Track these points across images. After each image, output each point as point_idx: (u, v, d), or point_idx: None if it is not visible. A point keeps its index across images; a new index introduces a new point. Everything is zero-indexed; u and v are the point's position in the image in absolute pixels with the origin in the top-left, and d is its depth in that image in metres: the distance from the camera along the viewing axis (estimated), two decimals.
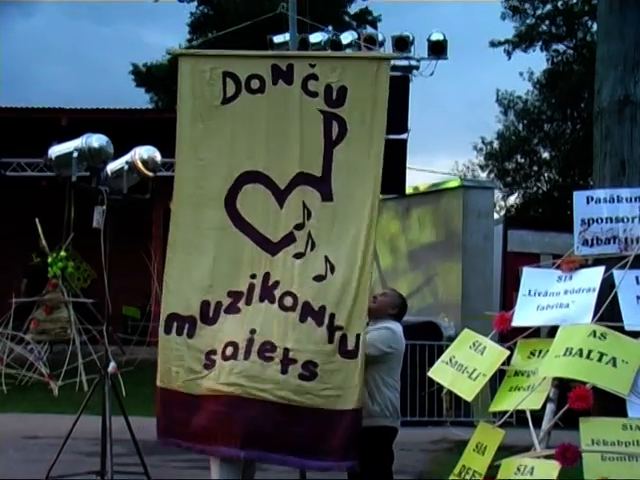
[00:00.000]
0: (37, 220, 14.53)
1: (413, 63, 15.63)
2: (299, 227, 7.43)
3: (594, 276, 4.69)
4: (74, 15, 47.51)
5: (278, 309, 7.30)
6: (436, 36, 15.54)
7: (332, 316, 7.08)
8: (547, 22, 31.64)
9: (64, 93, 35.27)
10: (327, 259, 7.26)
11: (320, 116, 7.48)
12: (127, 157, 8.76)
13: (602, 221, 4.77)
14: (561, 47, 31.99)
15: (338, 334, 7.01)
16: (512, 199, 35.37)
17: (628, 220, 4.71)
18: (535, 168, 34.35)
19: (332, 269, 7.21)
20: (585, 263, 4.85)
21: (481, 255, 15.31)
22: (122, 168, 8.67)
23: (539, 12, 31.53)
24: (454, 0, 43.38)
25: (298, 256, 7.42)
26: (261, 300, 7.40)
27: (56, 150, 8.38)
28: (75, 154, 8.22)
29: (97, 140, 8.34)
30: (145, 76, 32.80)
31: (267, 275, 7.44)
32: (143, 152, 8.77)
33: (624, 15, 4.48)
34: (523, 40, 31.52)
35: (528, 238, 16.42)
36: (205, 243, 7.64)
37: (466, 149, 34.96)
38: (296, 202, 7.45)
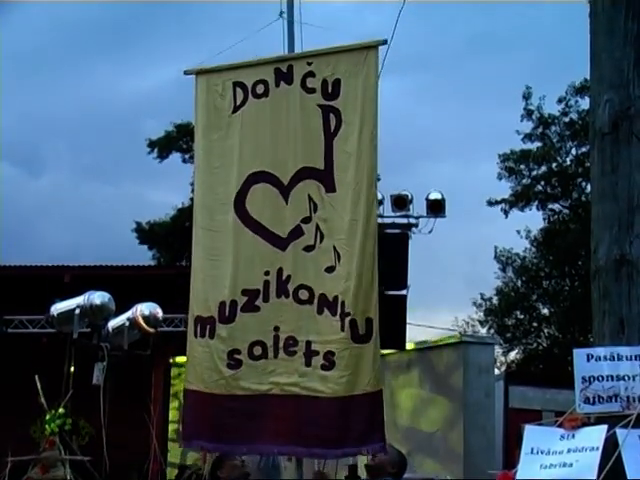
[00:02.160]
0: (37, 377, 14.39)
1: (412, 221, 15.83)
2: (306, 220, 7.55)
3: (597, 435, 4.62)
4: (79, 174, 48.46)
5: (294, 302, 7.39)
6: (434, 195, 15.78)
7: (342, 304, 7.15)
8: (542, 182, 32.21)
9: (68, 250, 35.59)
10: (335, 249, 7.36)
11: (319, 110, 7.70)
12: (129, 314, 8.81)
13: (603, 379, 4.73)
14: (557, 206, 32.48)
15: (347, 320, 7.07)
16: (512, 355, 35.15)
17: (629, 378, 4.67)
18: (535, 324, 34.27)
19: (339, 258, 7.31)
20: (587, 421, 4.78)
21: (482, 411, 15.13)
22: (123, 325, 8.71)
23: (534, 173, 32.14)
24: (451, 160, 44.35)
25: (308, 249, 7.52)
26: (278, 296, 7.50)
27: (58, 307, 8.43)
28: (77, 311, 8.27)
29: (99, 297, 8.41)
30: (148, 233, 33.17)
31: (280, 270, 7.54)
32: (144, 309, 8.83)
33: (616, 178, 4.56)
34: (519, 199, 32.01)
35: (529, 394, 16.26)
36: (222, 246, 7.79)
37: (466, 305, 34.90)
38: (301, 196, 7.61)
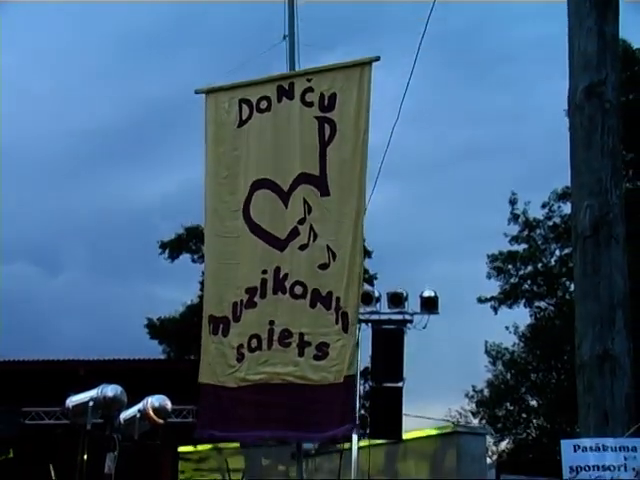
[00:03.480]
0: (51, 466, 14.22)
1: (407, 317, 15.77)
2: (301, 222, 7.78)
3: None
4: (95, 273, 48.59)
5: (290, 298, 7.57)
6: (428, 293, 15.75)
7: (338, 299, 7.34)
8: (529, 282, 32.24)
9: (83, 344, 35.46)
10: (329, 248, 7.55)
11: (315, 122, 7.94)
12: (139, 405, 8.74)
13: (590, 469, 4.67)
14: (543, 304, 32.42)
15: (340, 313, 7.21)
16: (503, 444, 34.63)
17: (614, 468, 4.62)
18: (524, 415, 33.90)
19: (334, 257, 7.52)
20: None
21: None
22: (134, 416, 8.63)
23: (521, 273, 32.19)
24: (444, 260, 44.50)
25: (302, 248, 7.74)
26: (275, 292, 7.68)
27: (73, 400, 8.37)
28: (91, 403, 8.21)
29: (112, 390, 8.35)
30: (158, 329, 33.05)
31: (278, 269, 7.74)
32: (155, 401, 8.76)
33: (598, 279, 4.59)
34: (508, 297, 31.99)
35: None
36: (231, 250, 8.00)
37: (458, 396, 34.60)
38: (298, 199, 7.83)
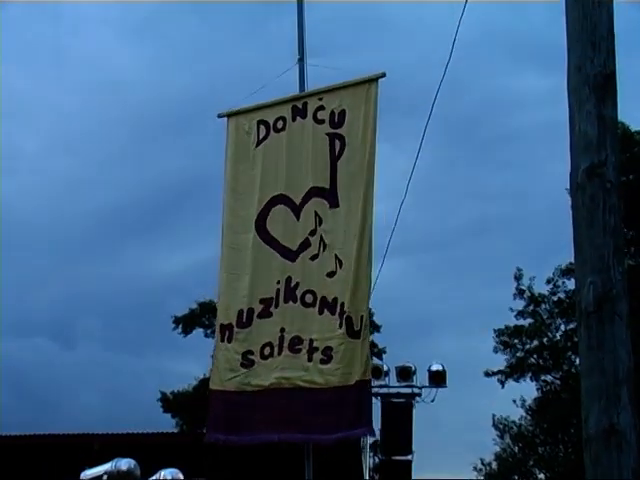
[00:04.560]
0: None
1: (416, 391, 15.67)
2: (312, 233, 7.83)
3: None
4: (110, 347, 48.48)
5: (301, 306, 7.62)
6: (436, 367, 15.70)
7: (342, 305, 7.35)
8: (535, 355, 32.08)
9: (98, 418, 35.24)
10: (337, 257, 7.56)
11: (327, 138, 8.06)
12: (153, 479, 8.67)
13: None
14: (549, 378, 32.20)
15: (344, 317, 7.22)
16: None
17: None
18: None
19: (340, 264, 7.56)
20: None
21: None
22: None
23: (527, 347, 32.05)
24: (451, 334, 44.34)
25: (313, 258, 7.78)
26: (286, 301, 7.67)
27: (88, 473, 8.32)
28: (105, 477, 8.16)
29: (125, 464, 8.32)
30: (172, 403, 32.82)
31: (289, 279, 7.77)
32: (167, 474, 8.71)
33: (602, 354, 4.57)
34: (514, 371, 31.80)
35: None
36: (243, 262, 8.05)
37: (466, 469, 34.21)
38: (310, 212, 7.92)
